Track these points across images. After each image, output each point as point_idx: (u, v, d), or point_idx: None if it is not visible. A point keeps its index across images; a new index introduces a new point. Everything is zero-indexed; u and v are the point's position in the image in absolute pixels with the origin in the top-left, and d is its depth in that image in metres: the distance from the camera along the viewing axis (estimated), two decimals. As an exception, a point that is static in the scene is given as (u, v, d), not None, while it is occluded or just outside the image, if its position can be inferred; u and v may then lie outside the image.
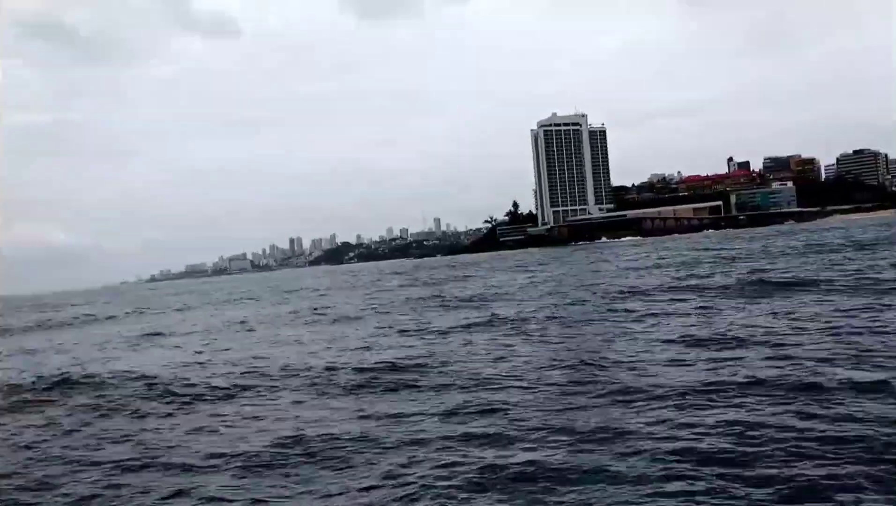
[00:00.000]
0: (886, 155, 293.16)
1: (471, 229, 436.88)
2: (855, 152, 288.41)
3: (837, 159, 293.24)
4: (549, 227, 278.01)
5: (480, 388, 16.12)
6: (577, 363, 17.81)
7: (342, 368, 20.19)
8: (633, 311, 27.80)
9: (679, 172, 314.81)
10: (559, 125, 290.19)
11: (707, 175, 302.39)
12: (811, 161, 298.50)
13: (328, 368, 20.30)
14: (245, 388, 18.75)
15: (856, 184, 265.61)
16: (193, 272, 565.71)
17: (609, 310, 29.08)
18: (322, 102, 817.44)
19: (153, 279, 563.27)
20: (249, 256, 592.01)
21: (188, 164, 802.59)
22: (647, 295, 33.46)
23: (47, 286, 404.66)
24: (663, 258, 69.57)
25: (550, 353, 20.08)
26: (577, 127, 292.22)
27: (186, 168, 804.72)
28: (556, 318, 28.48)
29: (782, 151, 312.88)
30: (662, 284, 38.72)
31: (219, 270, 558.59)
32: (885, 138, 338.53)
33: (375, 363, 20.48)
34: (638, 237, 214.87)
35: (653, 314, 26.26)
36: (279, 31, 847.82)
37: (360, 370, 19.64)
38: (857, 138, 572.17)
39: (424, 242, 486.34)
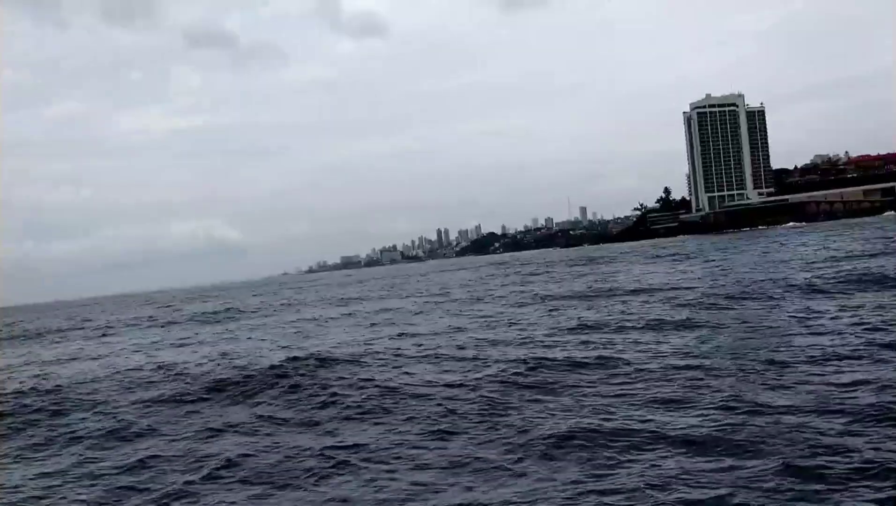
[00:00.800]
0: None
1: (618, 217, 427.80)
2: None
3: None
4: (703, 213, 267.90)
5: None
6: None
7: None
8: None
9: (846, 153, 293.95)
10: (714, 106, 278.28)
11: (879, 154, 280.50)
12: None
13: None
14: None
15: None
16: (348, 264, 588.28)
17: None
18: (464, 96, 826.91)
19: (311, 270, 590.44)
20: (400, 248, 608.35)
21: (339, 161, 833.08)
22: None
23: (213, 278, 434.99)
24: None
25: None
26: (734, 108, 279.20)
27: (338, 165, 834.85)
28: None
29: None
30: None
31: (372, 262, 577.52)
32: None
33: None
34: (802, 223, 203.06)
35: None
36: (424, 28, 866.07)
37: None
38: None
39: (570, 232, 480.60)
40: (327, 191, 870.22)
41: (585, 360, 19.52)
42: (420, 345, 25.91)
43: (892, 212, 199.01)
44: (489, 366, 19.99)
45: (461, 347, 24.24)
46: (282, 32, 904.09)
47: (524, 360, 20.05)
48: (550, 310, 35.25)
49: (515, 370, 18.80)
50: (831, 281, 32.74)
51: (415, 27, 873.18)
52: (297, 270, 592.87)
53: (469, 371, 19.53)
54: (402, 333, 30.55)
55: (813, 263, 46.02)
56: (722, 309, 28.21)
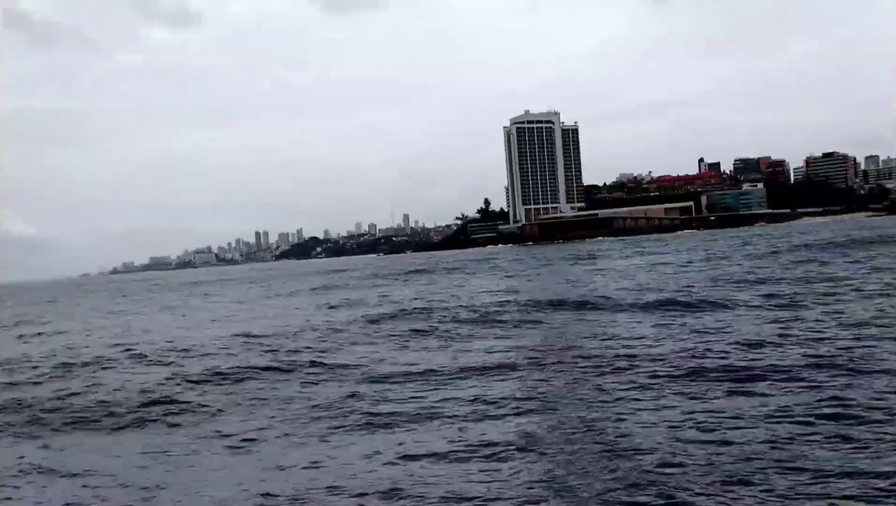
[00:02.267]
0: (855, 158, 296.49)
1: (440, 226, 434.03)
2: (824, 155, 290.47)
3: (807, 162, 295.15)
4: (520, 224, 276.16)
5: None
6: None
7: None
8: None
9: (650, 172, 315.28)
10: (532, 122, 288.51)
11: (678, 175, 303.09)
12: (781, 163, 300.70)
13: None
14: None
15: (825, 186, 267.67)
16: (157, 265, 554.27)
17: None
18: (289, 94, 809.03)
19: (115, 271, 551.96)
20: (215, 250, 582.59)
21: (150, 154, 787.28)
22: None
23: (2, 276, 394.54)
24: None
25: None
26: (550, 125, 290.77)
27: (148, 159, 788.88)
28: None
29: (751, 153, 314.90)
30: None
31: (183, 264, 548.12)
32: (853, 142, 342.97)
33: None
34: (610, 237, 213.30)
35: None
36: (243, 22, 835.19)
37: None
38: (824, 141, 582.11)
39: (394, 238, 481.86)
40: (138, 186, 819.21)
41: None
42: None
43: (687, 230, 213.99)
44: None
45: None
46: (86, 17, 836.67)
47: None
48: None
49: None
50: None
51: (234, 19, 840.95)
52: (99, 271, 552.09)
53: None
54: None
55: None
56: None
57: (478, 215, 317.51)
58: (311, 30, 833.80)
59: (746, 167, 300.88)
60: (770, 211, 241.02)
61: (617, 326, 25.15)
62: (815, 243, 68.42)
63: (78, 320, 48.91)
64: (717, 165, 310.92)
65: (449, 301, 39.61)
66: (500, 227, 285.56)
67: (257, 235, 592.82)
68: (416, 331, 27.65)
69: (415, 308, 36.37)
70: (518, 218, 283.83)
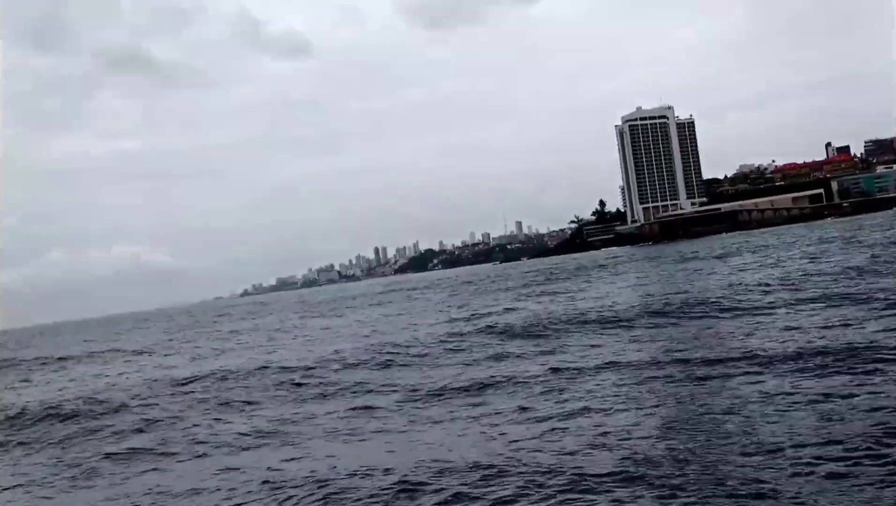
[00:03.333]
0: None
1: (554, 231, 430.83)
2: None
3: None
4: (639, 224, 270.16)
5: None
6: None
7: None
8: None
9: (773, 161, 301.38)
10: (645, 119, 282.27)
11: (804, 162, 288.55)
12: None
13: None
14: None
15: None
16: (284, 285, 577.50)
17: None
18: (397, 114, 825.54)
19: (246, 294, 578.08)
20: (337, 267, 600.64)
21: (275, 181, 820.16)
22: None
23: (143, 305, 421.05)
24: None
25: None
26: (664, 120, 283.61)
27: (273, 186, 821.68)
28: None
29: (883, 134, 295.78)
30: None
31: (309, 282, 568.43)
32: None
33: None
34: (734, 232, 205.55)
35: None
36: (350, 48, 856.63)
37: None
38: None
39: (508, 246, 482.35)
40: (262, 212, 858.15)
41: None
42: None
43: (829, 219, 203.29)
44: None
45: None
46: (203, 55, 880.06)
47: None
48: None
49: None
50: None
51: (341, 46, 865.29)
52: (231, 294, 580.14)
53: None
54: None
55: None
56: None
57: (593, 218, 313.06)
58: (415, 50, 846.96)
59: (879, 148, 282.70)
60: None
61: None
62: None
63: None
64: (847, 148, 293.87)
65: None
66: (617, 228, 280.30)
67: (376, 250, 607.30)
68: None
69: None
70: (636, 218, 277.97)
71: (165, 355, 43.15)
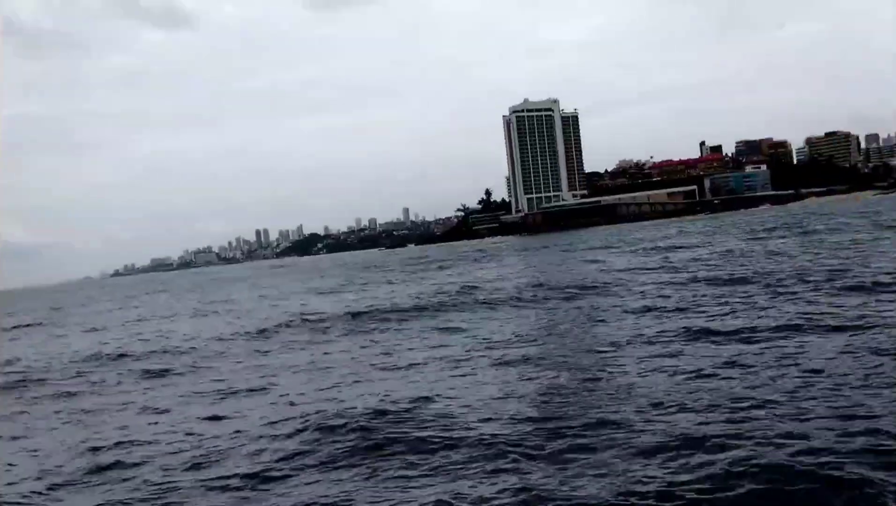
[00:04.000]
0: (857, 137, 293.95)
1: (440, 218, 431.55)
2: (827, 135, 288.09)
3: (809, 142, 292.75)
4: (523, 214, 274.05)
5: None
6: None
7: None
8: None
9: (651, 158, 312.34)
10: (531, 111, 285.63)
11: (680, 159, 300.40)
12: (783, 144, 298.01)
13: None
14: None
15: (828, 166, 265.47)
16: (159, 266, 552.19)
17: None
18: (282, 93, 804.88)
19: (117, 274, 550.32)
20: (215, 250, 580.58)
21: (147, 157, 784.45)
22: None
23: (5, 283, 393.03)
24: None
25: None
26: (550, 113, 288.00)
27: (146, 161, 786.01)
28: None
29: (752, 135, 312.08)
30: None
31: (185, 264, 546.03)
32: (855, 120, 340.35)
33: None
34: (614, 225, 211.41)
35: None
36: (233, 22, 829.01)
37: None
38: (824, 121, 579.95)
39: (395, 232, 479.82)
40: (136, 189, 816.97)
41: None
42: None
43: (694, 214, 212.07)
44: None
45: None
46: (74, 20, 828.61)
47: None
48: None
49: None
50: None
51: (224, 21, 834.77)
52: (101, 274, 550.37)
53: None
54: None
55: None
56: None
57: (479, 207, 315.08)
58: (303, 28, 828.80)
59: (748, 149, 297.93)
60: (775, 193, 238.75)
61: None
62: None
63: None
64: (719, 147, 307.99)
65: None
66: (502, 217, 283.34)
67: (258, 233, 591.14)
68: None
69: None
70: (520, 208, 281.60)
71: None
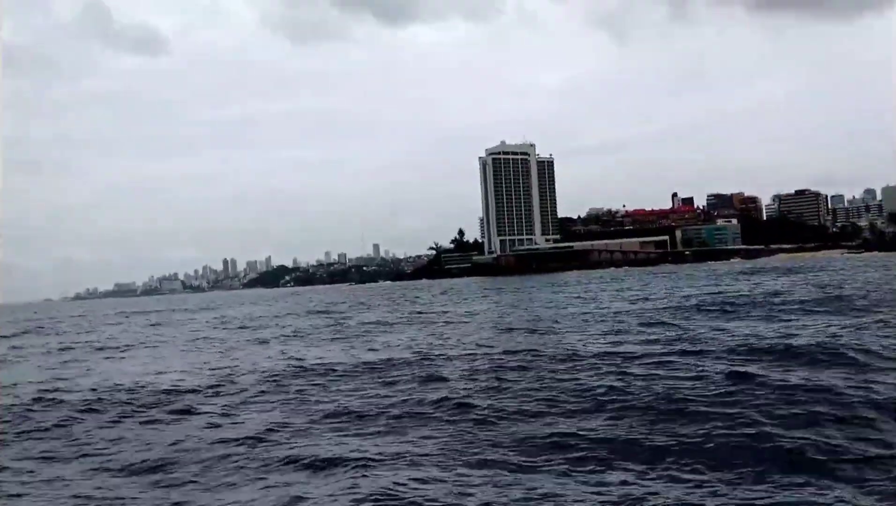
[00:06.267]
0: (827, 196, 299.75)
1: (411, 256, 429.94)
2: (797, 192, 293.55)
3: (780, 198, 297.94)
4: (495, 255, 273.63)
5: None
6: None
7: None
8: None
9: (624, 206, 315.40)
10: (507, 153, 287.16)
11: (652, 209, 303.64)
12: (753, 199, 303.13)
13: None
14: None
15: (798, 223, 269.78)
16: (121, 291, 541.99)
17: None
18: (256, 123, 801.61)
19: (78, 297, 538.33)
20: (181, 277, 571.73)
21: (117, 181, 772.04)
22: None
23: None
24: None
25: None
26: (526, 156, 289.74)
27: (114, 185, 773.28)
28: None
29: (722, 189, 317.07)
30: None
31: (149, 291, 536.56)
32: (820, 180, 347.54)
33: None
34: (585, 270, 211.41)
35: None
36: (208, 51, 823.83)
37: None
38: (791, 179, 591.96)
39: (364, 268, 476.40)
40: (102, 212, 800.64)
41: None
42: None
43: (668, 264, 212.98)
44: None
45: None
46: (47, 42, 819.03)
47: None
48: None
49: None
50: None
51: (199, 48, 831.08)
52: (62, 297, 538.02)
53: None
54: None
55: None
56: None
57: (451, 246, 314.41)
58: (279, 61, 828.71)
59: (720, 203, 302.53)
60: (745, 247, 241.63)
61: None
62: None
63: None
64: (691, 199, 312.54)
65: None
66: (474, 257, 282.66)
67: (225, 262, 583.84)
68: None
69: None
70: (493, 249, 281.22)
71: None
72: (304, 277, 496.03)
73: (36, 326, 74.86)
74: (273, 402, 18.42)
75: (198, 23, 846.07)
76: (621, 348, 24.19)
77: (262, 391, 20.04)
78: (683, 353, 21.87)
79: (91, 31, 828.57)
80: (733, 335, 25.65)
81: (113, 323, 71.17)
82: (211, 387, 21.28)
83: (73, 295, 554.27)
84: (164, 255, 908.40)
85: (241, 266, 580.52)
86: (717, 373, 17.58)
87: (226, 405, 18.30)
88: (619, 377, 18.20)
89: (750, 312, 34.94)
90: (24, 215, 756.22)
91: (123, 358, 33.23)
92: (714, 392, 15.53)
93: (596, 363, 20.75)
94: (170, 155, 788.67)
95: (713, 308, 38.85)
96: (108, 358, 33.69)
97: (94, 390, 21.94)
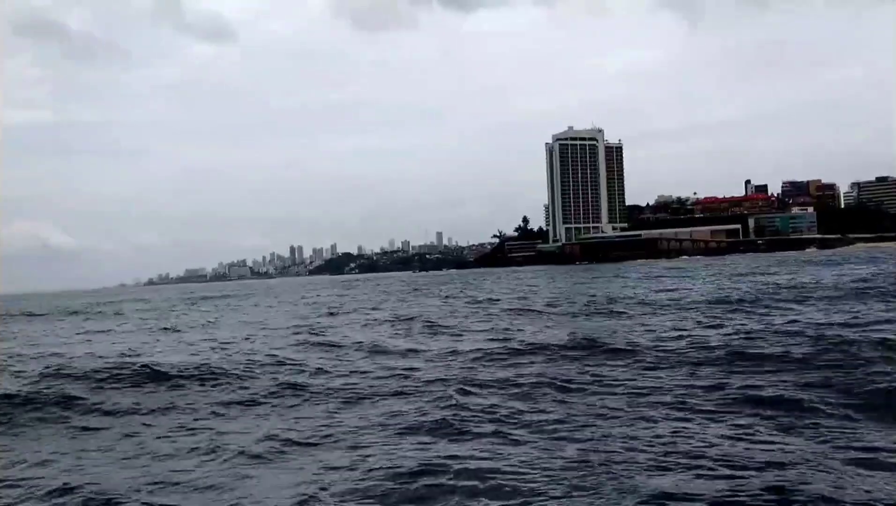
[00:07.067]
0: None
1: (474, 244, 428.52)
2: (878, 179, 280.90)
3: (859, 186, 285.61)
4: (560, 244, 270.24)
5: None
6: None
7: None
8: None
9: (695, 193, 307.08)
10: (575, 139, 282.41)
11: (724, 197, 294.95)
12: (831, 186, 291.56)
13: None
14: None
15: (877, 212, 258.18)
16: (192, 277, 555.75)
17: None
18: (326, 112, 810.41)
19: (151, 283, 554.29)
20: (249, 263, 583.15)
21: (187, 168, 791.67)
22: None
23: (43, 286, 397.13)
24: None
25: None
26: (594, 142, 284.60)
27: (185, 172, 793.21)
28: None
29: (797, 176, 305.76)
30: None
31: (218, 276, 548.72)
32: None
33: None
34: (654, 259, 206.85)
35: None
36: (277, 39, 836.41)
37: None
38: (869, 165, 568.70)
39: (427, 256, 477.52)
40: (174, 198, 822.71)
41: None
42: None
43: (737, 253, 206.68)
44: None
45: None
46: (122, 29, 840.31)
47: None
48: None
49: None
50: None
51: (270, 37, 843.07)
52: (135, 282, 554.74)
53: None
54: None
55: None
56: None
57: (515, 234, 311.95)
58: (345, 49, 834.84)
59: (795, 190, 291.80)
60: (821, 236, 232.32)
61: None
62: None
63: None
64: (765, 187, 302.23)
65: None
66: (538, 246, 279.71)
67: (292, 249, 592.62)
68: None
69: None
70: (557, 237, 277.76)
71: None
72: (368, 264, 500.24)
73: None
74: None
75: (267, 11, 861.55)
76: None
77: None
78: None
79: (164, 20, 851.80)
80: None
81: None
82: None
83: (145, 280, 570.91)
84: (232, 241, 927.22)
85: (307, 253, 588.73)
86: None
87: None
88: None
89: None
90: (99, 202, 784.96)
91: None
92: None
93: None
94: (237, 142, 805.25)
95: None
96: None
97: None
